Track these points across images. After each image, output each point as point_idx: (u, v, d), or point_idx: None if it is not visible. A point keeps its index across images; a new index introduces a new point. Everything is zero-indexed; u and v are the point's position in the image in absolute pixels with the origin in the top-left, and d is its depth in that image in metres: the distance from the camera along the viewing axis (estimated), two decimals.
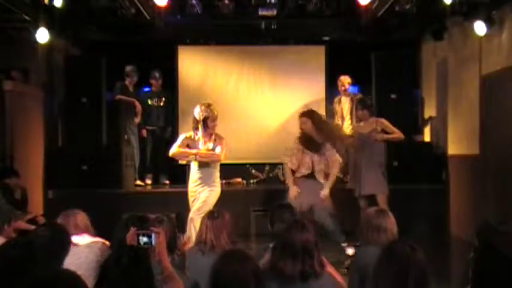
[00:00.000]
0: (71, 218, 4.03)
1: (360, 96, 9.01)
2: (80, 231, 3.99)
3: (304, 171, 6.80)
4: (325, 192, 6.74)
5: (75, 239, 3.78)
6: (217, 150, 6.52)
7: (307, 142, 6.80)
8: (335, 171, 6.88)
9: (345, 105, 9.25)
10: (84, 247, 3.84)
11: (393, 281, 2.48)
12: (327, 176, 6.83)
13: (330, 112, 9.39)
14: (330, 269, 3.47)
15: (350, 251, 6.49)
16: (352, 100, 9.04)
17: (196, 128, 6.58)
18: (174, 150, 6.68)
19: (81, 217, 4.10)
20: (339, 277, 3.62)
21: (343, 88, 9.25)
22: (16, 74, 8.07)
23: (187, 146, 6.63)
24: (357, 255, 3.83)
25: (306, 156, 6.79)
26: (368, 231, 3.78)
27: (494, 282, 2.45)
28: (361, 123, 7.53)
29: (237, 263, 2.54)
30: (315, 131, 6.79)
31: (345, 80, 9.23)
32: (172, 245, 3.84)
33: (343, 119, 9.23)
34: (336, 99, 9.42)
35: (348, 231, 6.92)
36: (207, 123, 6.50)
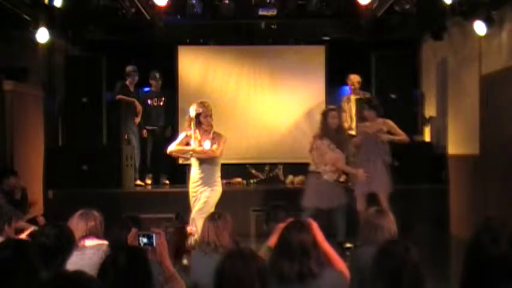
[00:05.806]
0: (85, 219, 4.03)
1: (368, 96, 8.96)
2: (90, 232, 4.00)
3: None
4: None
5: (83, 240, 3.79)
6: (214, 147, 6.53)
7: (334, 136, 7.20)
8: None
9: (354, 104, 9.15)
10: (89, 249, 3.85)
11: (388, 280, 2.48)
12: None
13: None
14: (334, 257, 3.36)
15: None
16: (361, 99, 8.95)
17: (189, 126, 6.59)
18: (171, 147, 6.71)
19: (95, 218, 4.09)
20: (343, 266, 3.46)
21: (353, 87, 9.21)
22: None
23: (187, 144, 6.64)
24: (355, 255, 3.82)
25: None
26: (367, 230, 3.78)
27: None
28: (367, 123, 7.45)
29: (242, 262, 2.53)
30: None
31: (355, 78, 9.19)
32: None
33: (351, 118, 9.18)
34: (345, 98, 9.35)
35: (348, 231, 6.94)
36: (200, 119, 6.50)
